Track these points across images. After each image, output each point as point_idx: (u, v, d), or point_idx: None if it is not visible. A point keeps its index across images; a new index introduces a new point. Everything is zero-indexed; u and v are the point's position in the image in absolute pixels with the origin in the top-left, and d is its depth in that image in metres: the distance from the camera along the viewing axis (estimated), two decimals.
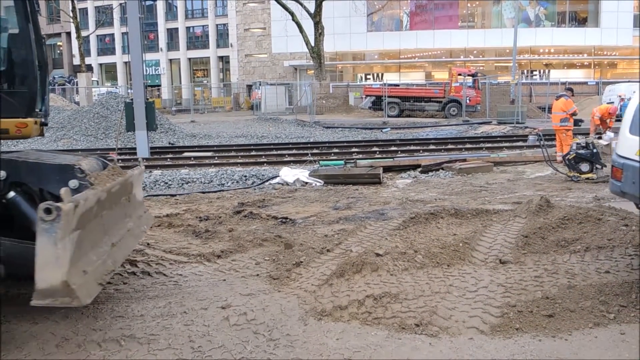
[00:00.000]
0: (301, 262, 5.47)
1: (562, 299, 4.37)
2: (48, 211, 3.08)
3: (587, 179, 10.53)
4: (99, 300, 4.54)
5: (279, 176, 11.54)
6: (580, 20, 47.54)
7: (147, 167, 12.36)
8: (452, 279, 4.89)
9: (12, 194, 3.83)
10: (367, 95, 35.74)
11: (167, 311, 4.35)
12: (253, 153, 17.23)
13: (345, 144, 19.44)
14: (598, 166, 10.63)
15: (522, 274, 4.99)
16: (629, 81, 31.52)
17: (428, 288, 4.69)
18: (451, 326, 4.00)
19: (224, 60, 56.92)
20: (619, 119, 16.32)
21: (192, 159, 15.68)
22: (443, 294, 4.55)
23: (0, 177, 3.75)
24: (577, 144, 11.00)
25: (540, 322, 4.03)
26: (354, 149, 17.54)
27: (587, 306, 4.26)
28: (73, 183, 3.85)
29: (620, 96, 23.01)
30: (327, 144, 19.45)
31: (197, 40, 58.47)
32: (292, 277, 5.12)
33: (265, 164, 14.46)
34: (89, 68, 51.82)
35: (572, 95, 13.71)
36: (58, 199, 3.19)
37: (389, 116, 31.89)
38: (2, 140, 4.14)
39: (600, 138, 14.56)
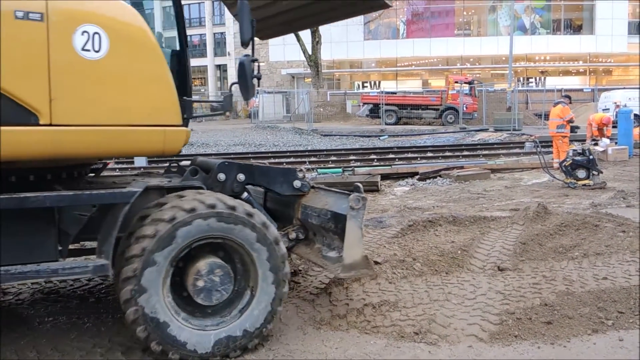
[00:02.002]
0: (299, 270, 5.46)
1: (560, 305, 4.38)
2: (357, 201, 3.96)
3: (584, 185, 10.55)
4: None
5: None
6: (575, 28, 47.79)
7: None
8: (450, 287, 4.89)
9: (245, 194, 4.29)
10: (364, 103, 35.86)
11: None
12: (251, 162, 17.23)
13: (343, 152, 19.47)
14: (595, 172, 10.66)
15: (520, 281, 5.00)
16: (624, 88, 31.69)
17: (427, 296, 4.69)
18: (450, 334, 4.00)
19: (222, 68, 57.00)
20: (614, 125, 16.49)
21: None
22: (442, 302, 4.55)
23: (239, 180, 4.22)
24: (574, 150, 11.04)
25: (539, 329, 4.03)
26: (351, 157, 17.56)
27: (585, 313, 4.27)
28: (297, 183, 4.46)
29: (615, 103, 23.10)
30: (324, 152, 19.48)
31: (194, 49, 58.56)
32: (290, 285, 5.11)
33: None
34: None
35: (570, 103, 13.78)
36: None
37: (386, 124, 31.99)
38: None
39: (596, 145, 14.65)
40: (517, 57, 42.97)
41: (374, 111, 34.15)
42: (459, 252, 5.78)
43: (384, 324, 4.17)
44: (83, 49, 3.39)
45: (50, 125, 3.31)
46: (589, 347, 3.80)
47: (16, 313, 4.56)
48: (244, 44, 4.16)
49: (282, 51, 47.42)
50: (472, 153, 18.27)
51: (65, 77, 3.34)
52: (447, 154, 18.19)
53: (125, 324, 3.52)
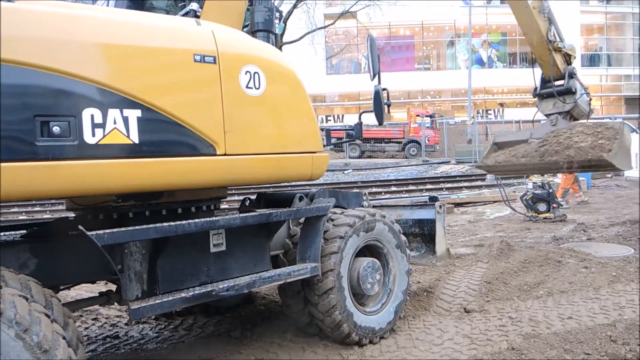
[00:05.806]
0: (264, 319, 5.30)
1: (527, 349, 4.32)
2: (440, 207, 5.55)
3: (545, 218, 10.72)
4: None
5: None
6: (530, 61, 49.37)
7: None
8: (417, 332, 4.81)
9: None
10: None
11: None
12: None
13: (306, 188, 19.36)
14: (555, 205, 10.85)
15: (486, 323, 4.95)
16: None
17: (394, 343, 4.59)
18: None
19: None
20: None
21: None
22: (409, 349, 4.45)
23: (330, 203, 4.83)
24: (534, 183, 11.24)
25: None
26: None
27: (552, 356, 4.22)
28: (365, 204, 5.18)
29: None
30: (288, 189, 19.36)
31: None
32: (253, 336, 4.94)
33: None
34: None
35: None
36: None
37: (350, 157, 32.19)
38: None
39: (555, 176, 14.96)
40: (476, 90, 44.17)
41: (338, 145, 34.33)
42: (425, 294, 5.72)
43: None
44: (247, 87, 3.90)
45: (225, 155, 3.74)
46: None
47: None
48: (374, 77, 4.81)
49: None
50: (435, 187, 18.46)
51: (234, 112, 3.82)
52: (411, 187, 18.33)
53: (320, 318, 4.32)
